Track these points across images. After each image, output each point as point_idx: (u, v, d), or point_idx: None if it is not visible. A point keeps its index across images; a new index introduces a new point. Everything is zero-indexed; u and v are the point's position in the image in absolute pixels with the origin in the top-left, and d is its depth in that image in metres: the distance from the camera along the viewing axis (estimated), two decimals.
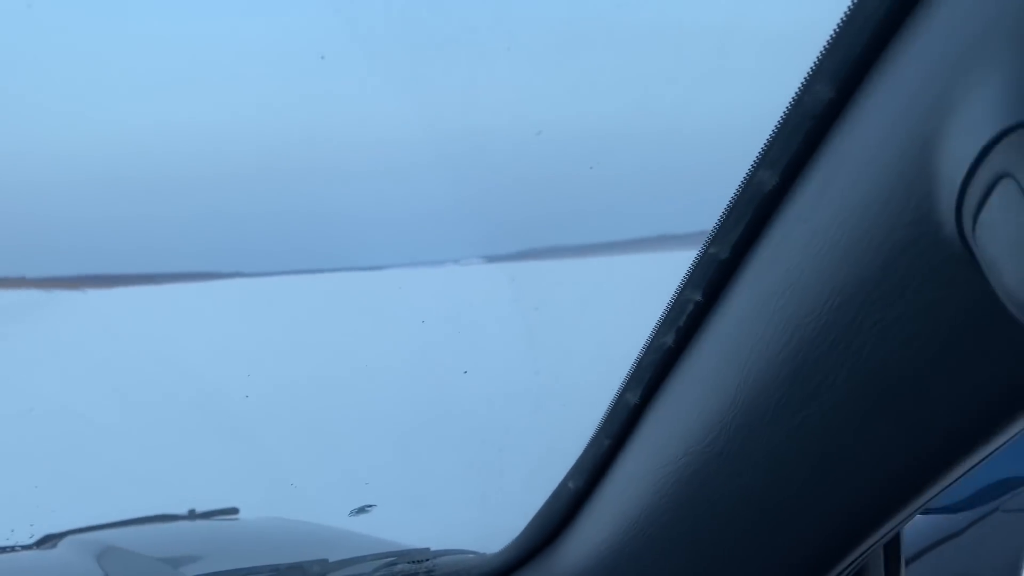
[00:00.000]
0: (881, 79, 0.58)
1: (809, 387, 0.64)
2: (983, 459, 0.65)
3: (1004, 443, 0.62)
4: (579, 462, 0.96)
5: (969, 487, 1.58)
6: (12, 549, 1.90)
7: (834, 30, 0.61)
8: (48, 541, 1.85)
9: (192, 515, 2.04)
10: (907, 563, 0.84)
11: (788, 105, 0.65)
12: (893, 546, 0.84)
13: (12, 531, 1.68)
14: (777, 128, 0.65)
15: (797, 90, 0.64)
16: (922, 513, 0.76)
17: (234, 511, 1.98)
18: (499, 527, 1.09)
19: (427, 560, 1.09)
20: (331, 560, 1.09)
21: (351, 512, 1.21)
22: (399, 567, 1.08)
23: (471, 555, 1.14)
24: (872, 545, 0.74)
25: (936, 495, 0.69)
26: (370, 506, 1.21)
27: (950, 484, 0.68)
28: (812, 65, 0.62)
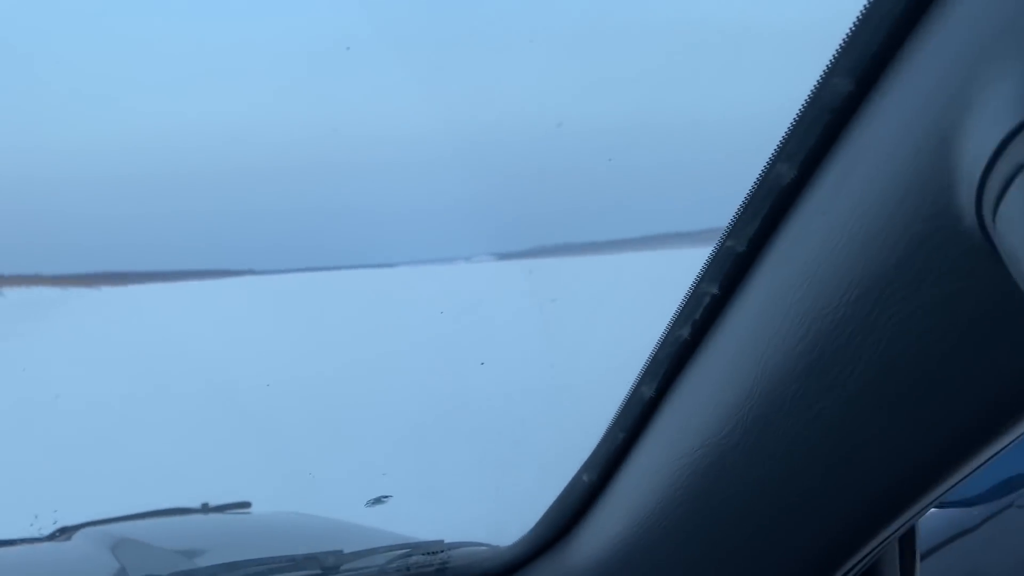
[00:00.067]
0: (900, 73, 0.58)
1: (826, 380, 0.64)
2: (998, 453, 0.65)
3: (1021, 437, 0.63)
4: (593, 455, 0.97)
5: (985, 482, 1.57)
6: (28, 541, 1.92)
7: (853, 24, 0.61)
8: (64, 533, 1.87)
9: (205, 509, 2.06)
10: (922, 557, 0.84)
11: (806, 99, 0.65)
12: (908, 539, 0.84)
13: (36, 517, 1.70)
14: (795, 122, 0.65)
15: (815, 84, 0.64)
16: (937, 507, 0.76)
17: (246, 505, 2.00)
18: (513, 520, 1.09)
19: (441, 552, 1.10)
20: (345, 551, 1.10)
21: (367, 503, 1.22)
22: (413, 559, 1.09)
23: (484, 548, 1.14)
24: (887, 538, 0.74)
25: (951, 488, 0.69)
26: (386, 497, 1.22)
27: (965, 478, 0.68)
28: (831, 59, 0.62)
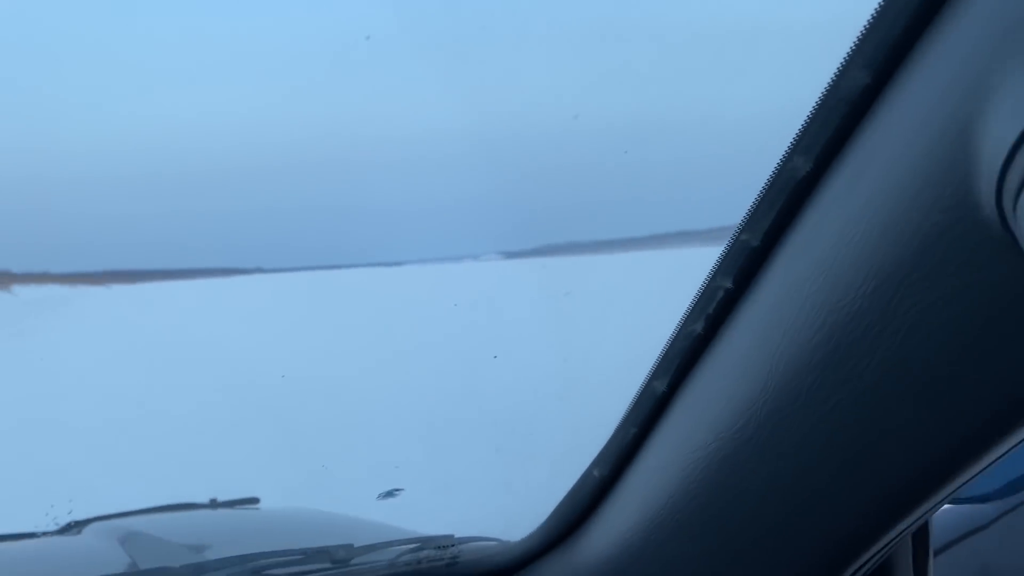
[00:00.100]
0: (917, 65, 0.58)
1: (842, 372, 0.64)
2: (1014, 447, 0.65)
3: None
4: (604, 450, 0.97)
5: (1000, 478, 1.56)
6: (38, 535, 1.93)
7: (870, 17, 0.61)
8: (73, 528, 1.88)
9: (214, 504, 2.06)
10: (935, 554, 0.84)
11: (823, 92, 0.65)
12: (921, 535, 0.83)
13: (52, 506, 1.71)
14: (812, 114, 0.65)
15: (832, 77, 0.64)
16: (951, 502, 0.76)
17: (255, 500, 2.00)
18: (524, 514, 1.09)
19: (452, 546, 1.10)
20: (356, 545, 1.10)
21: (379, 496, 1.22)
22: (424, 553, 1.09)
23: (494, 543, 1.15)
24: (901, 533, 0.74)
25: (965, 484, 0.69)
26: (398, 490, 1.22)
27: (980, 472, 0.68)
28: (847, 52, 0.62)
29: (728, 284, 0.76)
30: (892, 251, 0.58)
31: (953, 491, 0.69)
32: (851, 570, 0.77)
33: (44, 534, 1.90)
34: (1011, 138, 0.47)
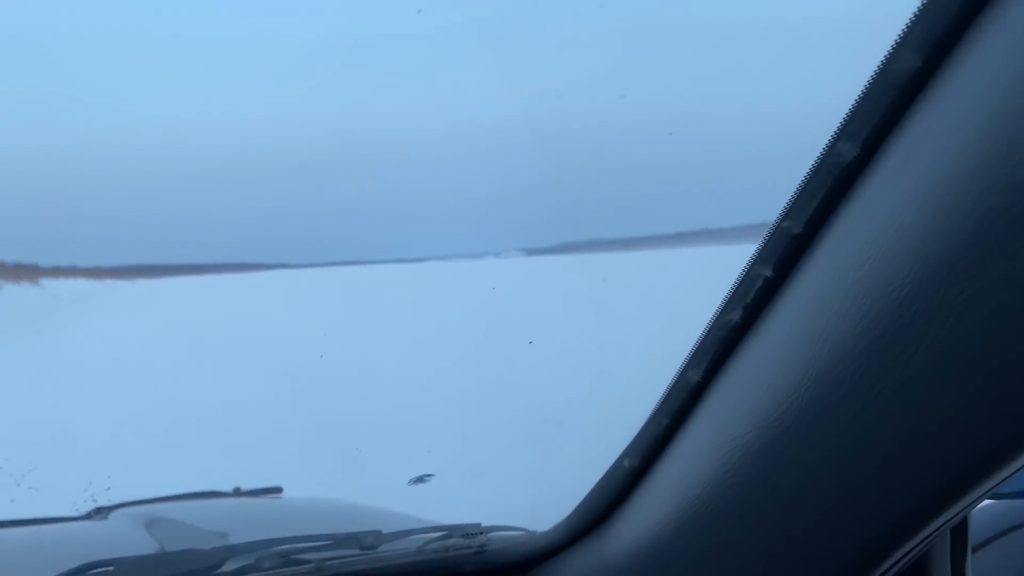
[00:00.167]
0: (971, 45, 0.57)
1: (887, 360, 0.63)
2: None
3: None
4: (636, 441, 0.96)
5: None
6: (66, 520, 1.95)
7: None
8: (99, 513, 1.90)
9: (237, 493, 2.08)
10: (973, 550, 0.83)
11: (871, 77, 0.64)
12: (960, 531, 0.82)
13: (90, 482, 1.73)
14: (860, 99, 0.65)
15: (881, 62, 0.63)
16: (991, 498, 0.75)
17: (278, 490, 2.01)
18: (553, 503, 1.09)
19: (479, 535, 1.10)
20: (384, 532, 1.10)
21: (410, 481, 1.22)
22: (452, 540, 1.09)
23: (521, 532, 1.14)
24: (940, 528, 0.73)
25: (1008, 478, 0.68)
26: (428, 476, 1.22)
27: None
28: (898, 36, 0.62)
29: (768, 273, 0.75)
30: (942, 236, 0.57)
31: (996, 485, 0.68)
32: (888, 563, 0.76)
33: (71, 519, 1.93)
34: None
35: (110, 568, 1.00)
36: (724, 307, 0.81)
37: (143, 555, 1.16)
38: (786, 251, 0.73)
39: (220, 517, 1.72)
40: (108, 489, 1.70)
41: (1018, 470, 0.67)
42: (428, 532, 1.11)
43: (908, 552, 0.75)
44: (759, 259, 0.76)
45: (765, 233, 0.75)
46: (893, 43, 0.62)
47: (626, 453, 0.98)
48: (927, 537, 0.74)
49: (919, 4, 0.60)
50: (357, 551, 1.08)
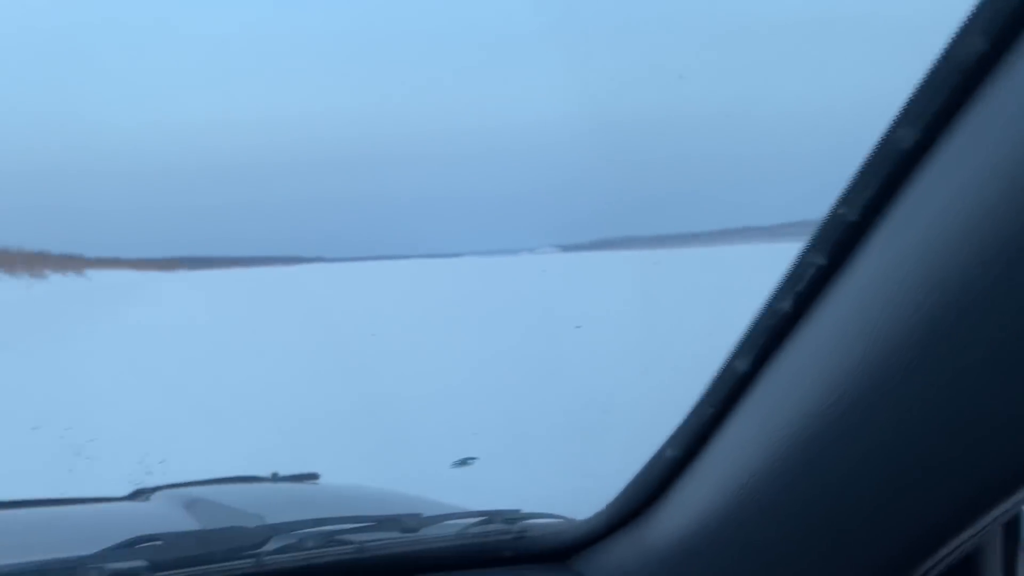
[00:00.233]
0: None
1: (944, 349, 0.62)
2: None
3: None
4: (679, 430, 0.96)
5: None
6: (107, 500, 1.99)
7: None
8: (141, 495, 1.94)
9: (275, 478, 2.11)
10: None
11: (934, 62, 0.64)
12: (1013, 527, 0.81)
13: (146, 454, 1.77)
14: (922, 84, 0.64)
15: (945, 45, 0.62)
16: None
17: (315, 476, 2.04)
18: (595, 491, 1.09)
19: (520, 521, 1.10)
20: (425, 515, 1.11)
21: (453, 463, 1.23)
22: (492, 526, 1.09)
23: (560, 520, 1.15)
24: (992, 522, 0.72)
25: None
26: (472, 459, 1.23)
27: None
28: (964, 18, 0.61)
29: (821, 261, 0.74)
30: (1008, 222, 0.56)
31: None
32: (937, 557, 0.74)
33: (114, 499, 1.97)
34: None
35: (159, 542, 1.02)
36: (775, 296, 0.80)
37: (189, 531, 1.19)
38: (841, 239, 0.72)
39: (259, 500, 1.75)
40: (162, 462, 1.75)
41: None
42: (468, 517, 1.11)
43: (958, 547, 0.74)
44: (812, 248, 0.75)
45: (800, 231, 0.75)
46: (959, 26, 0.61)
47: (669, 443, 0.97)
48: (978, 532, 0.73)
49: None
50: (398, 533, 1.09)
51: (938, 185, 0.64)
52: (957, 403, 0.63)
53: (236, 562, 1.01)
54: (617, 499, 1.05)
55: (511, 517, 1.11)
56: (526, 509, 1.11)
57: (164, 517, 1.62)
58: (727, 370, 0.87)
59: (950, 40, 0.61)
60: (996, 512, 0.70)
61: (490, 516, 1.10)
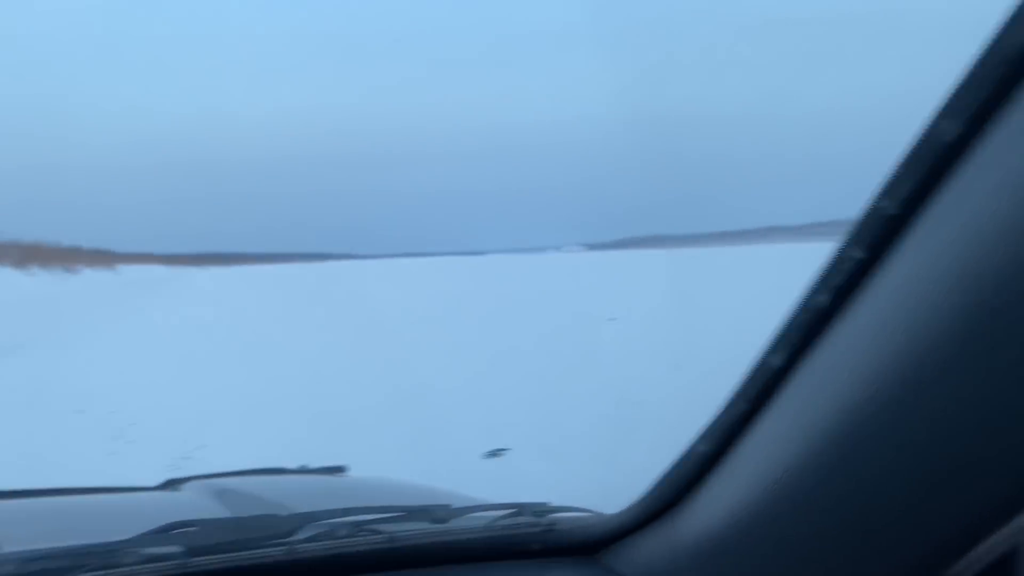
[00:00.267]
0: None
1: (986, 343, 0.61)
2: None
3: None
4: (711, 425, 0.95)
5: None
6: (140, 489, 2.02)
7: None
8: (172, 484, 1.97)
9: (303, 470, 2.13)
10: None
11: (979, 54, 0.63)
12: None
13: (184, 441, 1.80)
14: (965, 77, 0.63)
15: (992, 37, 0.62)
16: None
17: (342, 469, 2.06)
18: (625, 485, 1.09)
19: (549, 514, 1.10)
20: (454, 507, 1.12)
21: (485, 454, 1.24)
22: (521, 518, 1.10)
23: (589, 514, 1.15)
24: None
25: None
26: (504, 449, 1.23)
27: None
28: (1012, 10, 0.60)
29: (860, 254, 0.74)
30: None
31: None
32: (971, 557, 0.74)
33: (146, 488, 2.00)
34: None
35: (194, 528, 1.03)
36: (812, 291, 0.80)
37: (223, 518, 1.20)
38: (880, 232, 0.72)
39: (287, 491, 1.77)
40: (201, 447, 1.77)
41: None
42: (498, 509, 1.12)
43: (992, 546, 0.73)
44: (850, 241, 0.75)
45: (827, 232, 0.74)
46: (1006, 17, 0.60)
47: (701, 438, 0.97)
48: (1013, 532, 0.72)
49: None
50: (428, 524, 1.09)
51: (982, 175, 0.63)
52: (992, 402, 0.62)
53: (268, 549, 1.02)
54: (648, 494, 1.05)
55: (540, 510, 1.11)
56: (556, 502, 1.12)
57: (196, 506, 1.65)
58: (762, 365, 0.87)
59: (996, 32, 0.61)
60: None
61: (519, 508, 1.11)
